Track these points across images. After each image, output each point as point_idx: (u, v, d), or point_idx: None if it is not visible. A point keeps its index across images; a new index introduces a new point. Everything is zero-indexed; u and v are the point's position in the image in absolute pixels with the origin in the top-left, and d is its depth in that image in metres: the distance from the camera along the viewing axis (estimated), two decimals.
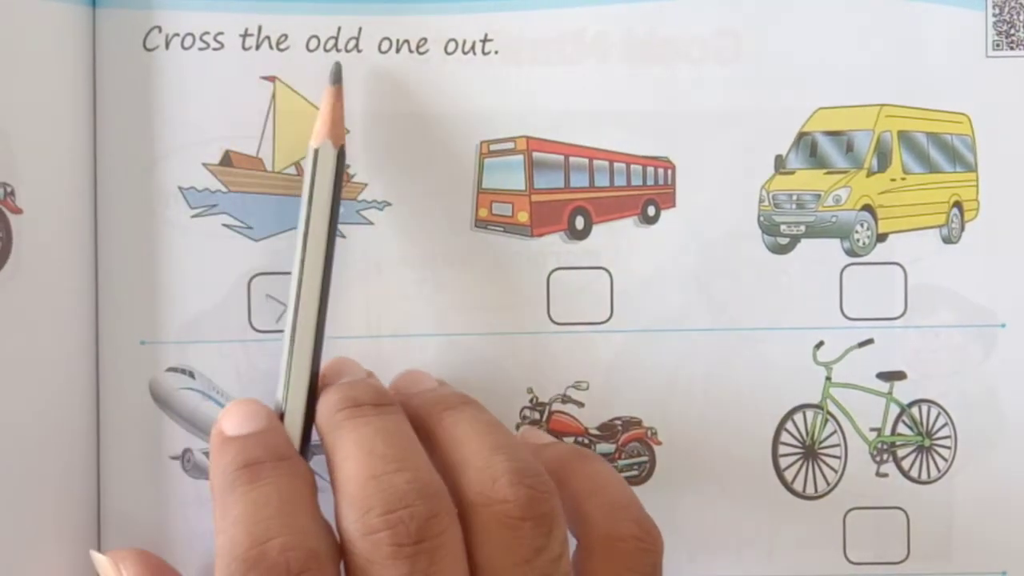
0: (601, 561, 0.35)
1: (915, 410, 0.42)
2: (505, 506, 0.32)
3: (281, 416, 0.37)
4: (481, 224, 0.41)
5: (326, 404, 0.36)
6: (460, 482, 0.33)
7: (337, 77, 0.39)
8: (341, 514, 0.33)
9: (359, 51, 0.41)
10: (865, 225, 0.42)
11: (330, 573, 0.32)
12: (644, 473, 0.42)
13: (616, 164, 0.41)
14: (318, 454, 0.36)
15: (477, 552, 0.33)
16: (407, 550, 0.31)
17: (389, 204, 0.41)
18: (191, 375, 0.40)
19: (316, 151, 0.38)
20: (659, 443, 0.42)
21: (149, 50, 0.40)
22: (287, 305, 0.38)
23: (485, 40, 0.41)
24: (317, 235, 0.38)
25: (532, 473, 0.33)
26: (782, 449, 0.42)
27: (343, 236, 0.41)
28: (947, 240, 0.42)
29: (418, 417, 0.36)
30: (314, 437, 0.37)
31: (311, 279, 0.37)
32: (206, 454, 0.40)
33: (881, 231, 0.42)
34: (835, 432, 0.42)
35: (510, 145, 0.41)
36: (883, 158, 0.42)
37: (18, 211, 0.37)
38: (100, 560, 0.37)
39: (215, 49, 0.40)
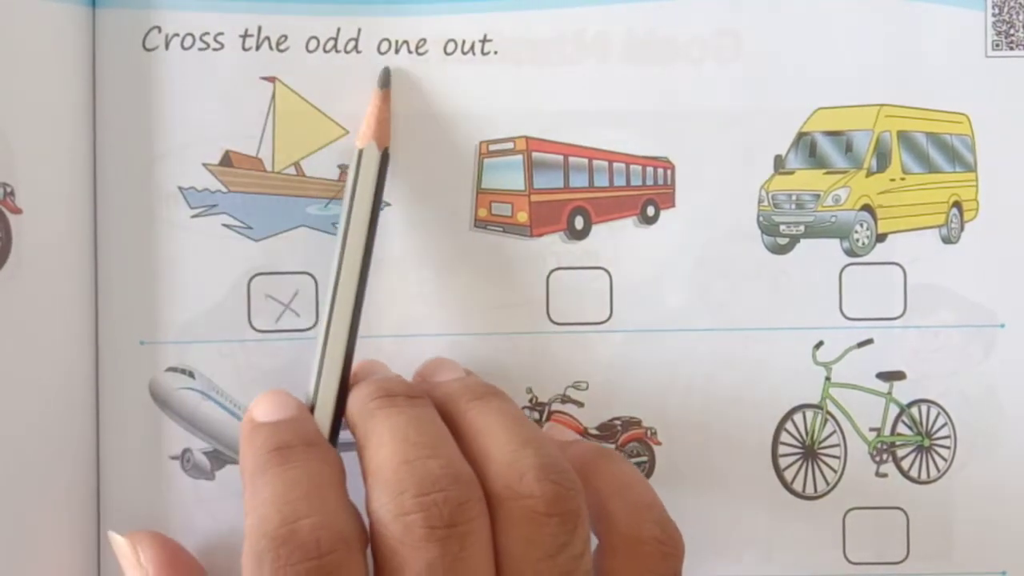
0: (623, 562, 0.35)
1: (914, 410, 0.42)
2: (531, 501, 0.32)
3: (311, 409, 0.37)
4: (480, 224, 0.41)
5: (359, 395, 0.36)
6: (486, 473, 0.33)
7: (386, 81, 0.40)
8: (372, 497, 0.33)
9: (358, 52, 0.41)
10: (864, 225, 0.42)
11: (358, 557, 0.32)
12: (644, 473, 0.42)
13: (615, 164, 0.41)
14: (345, 452, 0.36)
15: (500, 544, 0.33)
16: (439, 533, 0.31)
17: (388, 204, 0.41)
18: (191, 375, 0.40)
19: (361, 151, 0.39)
20: (658, 443, 0.42)
21: (149, 50, 0.40)
22: (323, 301, 0.38)
23: (484, 40, 0.41)
24: (357, 234, 0.38)
25: (559, 469, 0.33)
26: (782, 449, 0.42)
27: None
28: (947, 240, 0.42)
29: (444, 405, 0.36)
30: (342, 438, 0.37)
31: (348, 277, 0.38)
32: (206, 454, 0.41)
33: (880, 231, 0.42)
34: (835, 432, 0.42)
35: (509, 145, 0.41)
36: (882, 158, 0.42)
37: (18, 211, 0.37)
38: (118, 541, 0.38)
39: (215, 49, 0.40)
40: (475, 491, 0.32)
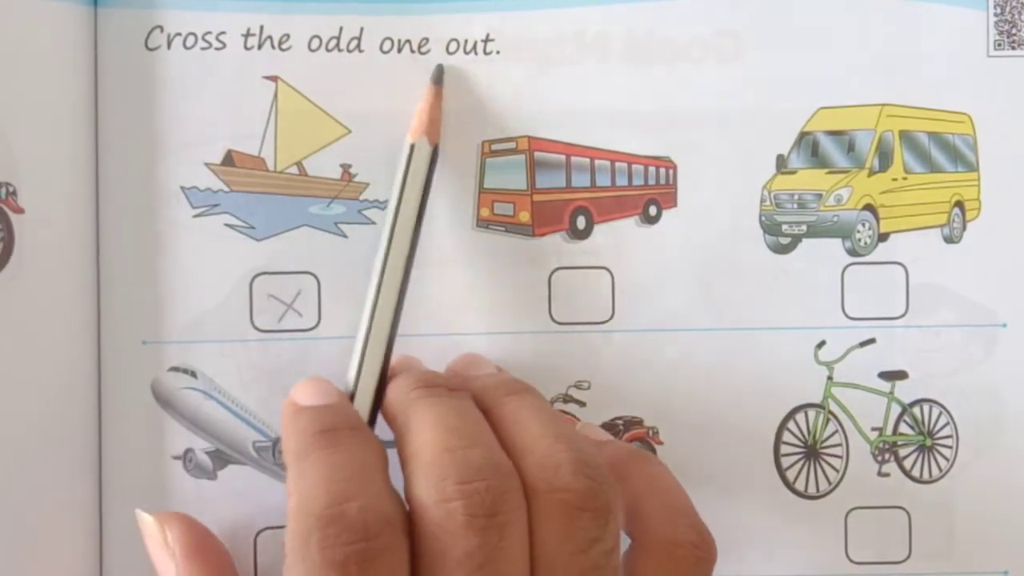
0: (657, 563, 0.35)
1: (916, 410, 0.42)
2: (566, 495, 0.32)
3: (351, 398, 0.37)
4: (483, 224, 0.41)
5: (399, 385, 0.37)
6: (522, 466, 0.33)
7: (439, 77, 0.40)
8: (414, 483, 0.33)
9: (360, 51, 0.41)
10: (867, 225, 0.42)
11: (402, 541, 0.32)
12: None
13: (617, 164, 0.41)
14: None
15: (534, 536, 0.32)
16: (480, 522, 0.31)
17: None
18: (193, 375, 0.40)
19: (412, 146, 0.39)
20: (660, 443, 0.42)
21: (151, 50, 0.40)
22: (367, 291, 0.38)
23: (487, 40, 0.41)
24: (404, 228, 0.38)
25: (593, 465, 0.33)
26: (784, 449, 0.42)
27: (344, 236, 0.41)
28: (949, 240, 0.42)
29: (479, 399, 0.36)
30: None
31: (393, 269, 0.38)
32: (208, 454, 0.41)
33: (883, 231, 0.42)
34: (837, 432, 0.42)
35: (511, 145, 0.41)
36: (884, 158, 0.42)
37: (20, 211, 0.37)
38: (146, 520, 0.37)
39: (217, 49, 0.40)
40: (515, 482, 0.32)
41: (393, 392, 0.37)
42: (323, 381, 0.37)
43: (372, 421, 0.37)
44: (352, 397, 0.37)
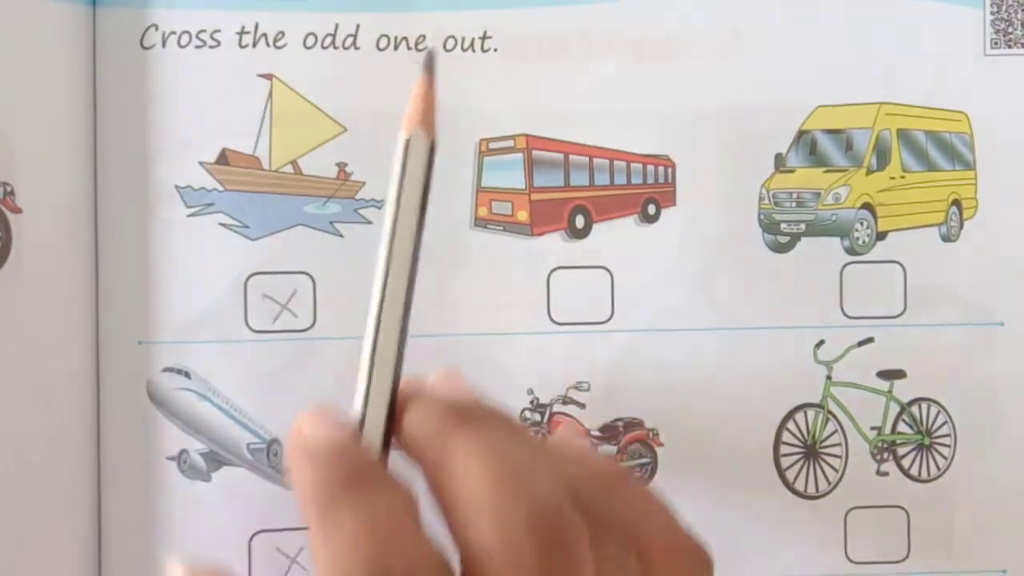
0: (667, 572, 0.34)
1: (915, 408, 0.42)
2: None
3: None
4: (481, 223, 0.41)
5: (424, 413, 0.32)
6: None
7: (429, 65, 0.37)
8: (466, 525, 0.29)
9: (356, 48, 0.40)
10: (865, 223, 0.42)
11: None
12: (646, 475, 0.41)
13: (616, 163, 0.41)
14: None
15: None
16: (550, 563, 0.28)
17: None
18: (187, 375, 0.40)
19: (408, 140, 0.35)
20: (660, 444, 0.41)
21: (146, 48, 0.39)
22: (369, 307, 0.34)
23: (484, 38, 0.41)
24: (405, 232, 0.35)
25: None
26: (783, 449, 0.42)
27: (340, 235, 0.40)
28: (946, 238, 0.42)
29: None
30: None
31: (397, 280, 0.33)
32: (202, 455, 0.40)
33: (881, 229, 0.42)
34: (836, 431, 0.42)
35: (509, 143, 0.41)
36: (882, 156, 0.42)
37: (18, 210, 0.37)
38: (176, 572, 0.34)
39: (212, 47, 0.40)
40: (579, 516, 0.29)
41: (416, 423, 0.32)
42: (332, 411, 0.32)
43: (385, 452, 0.33)
44: (360, 426, 0.32)
